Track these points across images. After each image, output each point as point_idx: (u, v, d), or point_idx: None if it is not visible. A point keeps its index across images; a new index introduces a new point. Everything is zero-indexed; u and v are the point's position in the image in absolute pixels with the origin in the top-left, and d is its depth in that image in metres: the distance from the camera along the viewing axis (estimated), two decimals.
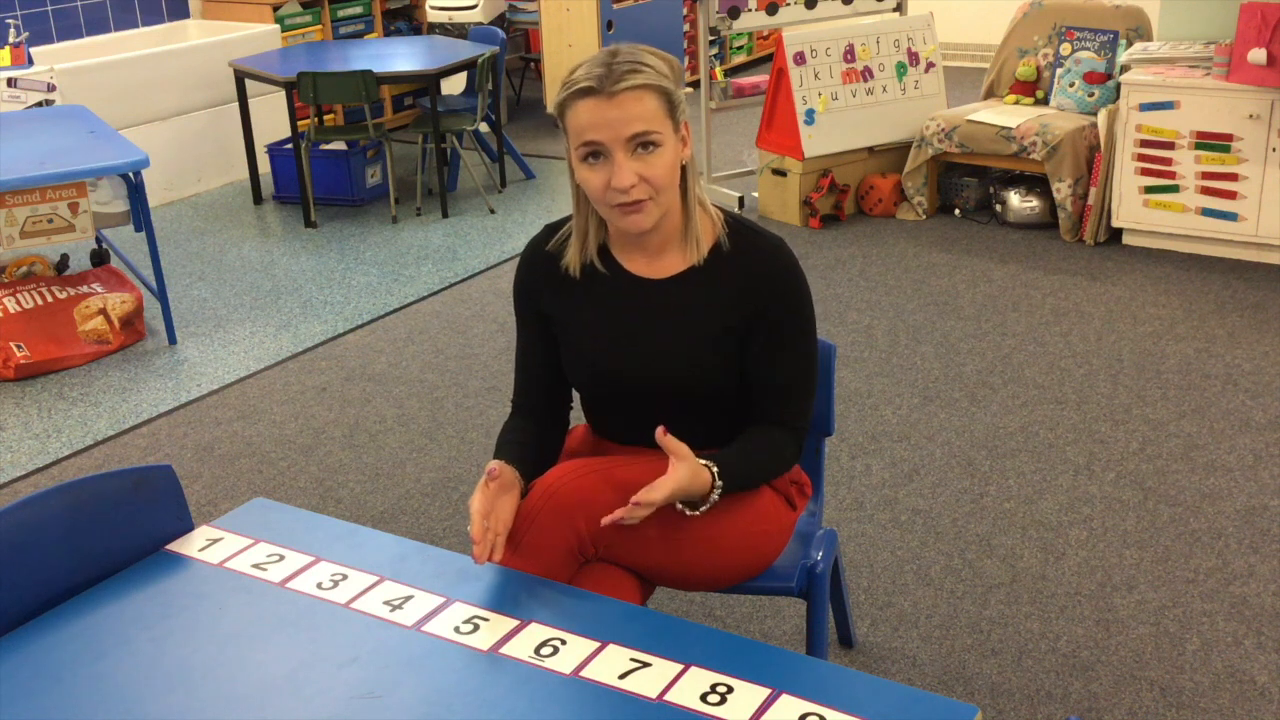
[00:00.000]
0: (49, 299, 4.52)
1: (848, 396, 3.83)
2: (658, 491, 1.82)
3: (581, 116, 1.84)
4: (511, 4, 7.81)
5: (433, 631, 1.60)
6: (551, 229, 2.08)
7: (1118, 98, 4.94)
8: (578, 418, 2.18)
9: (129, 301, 4.55)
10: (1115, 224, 5.00)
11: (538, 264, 2.06)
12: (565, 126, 1.89)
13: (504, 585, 1.72)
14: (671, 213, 1.95)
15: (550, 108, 1.98)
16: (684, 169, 1.94)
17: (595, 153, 1.86)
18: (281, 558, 1.79)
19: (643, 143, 1.84)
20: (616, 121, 1.83)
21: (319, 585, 1.71)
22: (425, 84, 6.01)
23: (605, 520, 1.82)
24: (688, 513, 1.92)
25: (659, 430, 1.84)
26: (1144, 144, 4.84)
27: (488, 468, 1.87)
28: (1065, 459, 3.42)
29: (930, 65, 5.60)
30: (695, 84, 7.53)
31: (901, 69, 5.53)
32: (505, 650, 1.55)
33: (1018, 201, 5.29)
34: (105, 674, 1.55)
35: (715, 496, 1.92)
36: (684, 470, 1.85)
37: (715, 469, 1.91)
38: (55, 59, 5.77)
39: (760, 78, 6.27)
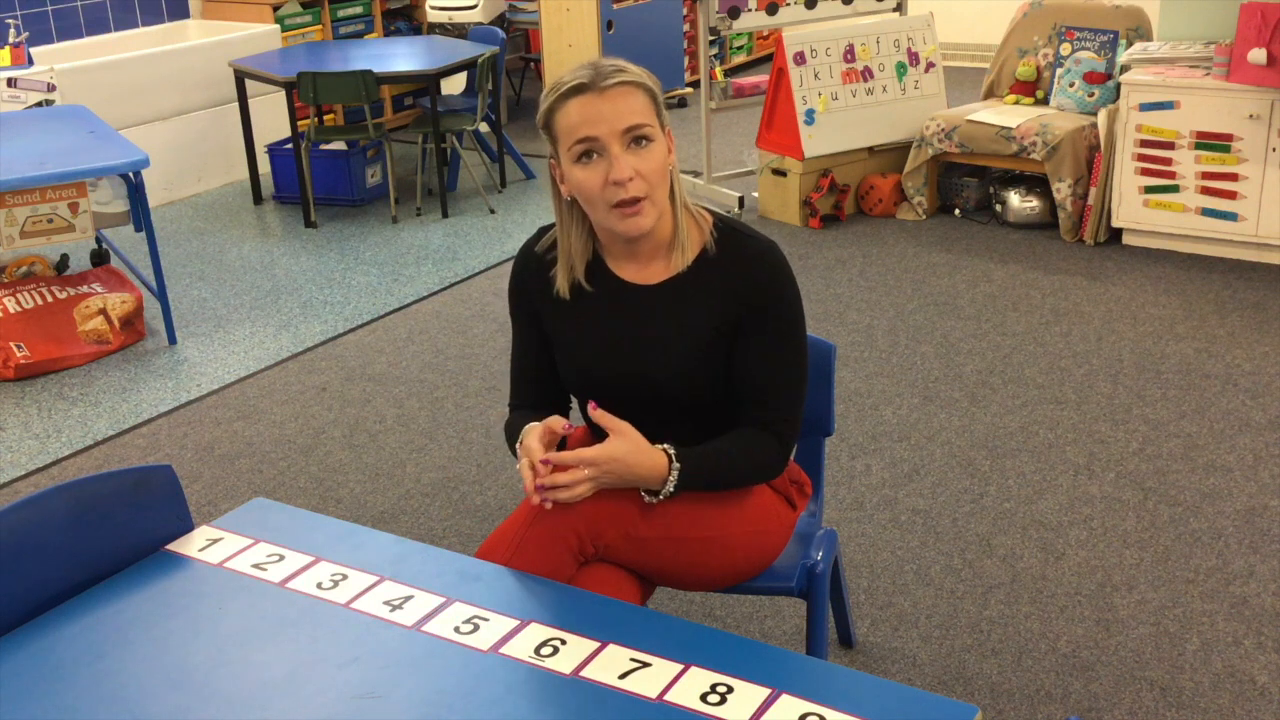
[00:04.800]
0: (49, 299, 4.52)
1: (848, 396, 3.83)
2: (587, 453, 1.80)
3: (573, 114, 1.84)
4: (511, 4, 7.81)
5: (433, 631, 1.60)
6: (545, 231, 2.08)
7: (1118, 98, 4.94)
8: (579, 419, 2.18)
9: (129, 301, 4.55)
10: (1115, 224, 5.00)
11: (531, 265, 2.06)
12: (555, 131, 1.88)
13: (504, 585, 1.72)
14: (663, 217, 1.95)
15: (538, 118, 1.99)
16: (670, 174, 1.94)
17: (589, 151, 1.85)
18: (281, 558, 1.79)
19: (637, 136, 1.84)
20: (611, 115, 1.83)
21: (319, 585, 1.71)
22: (425, 84, 6.01)
23: (540, 459, 1.81)
24: (646, 498, 1.89)
25: (590, 406, 1.83)
26: (1144, 144, 4.84)
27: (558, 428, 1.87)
28: (1065, 459, 3.42)
29: (930, 65, 5.59)
30: (695, 84, 7.53)
31: (901, 69, 5.53)
32: (505, 650, 1.55)
33: (1018, 201, 5.29)
34: (105, 674, 1.55)
35: (673, 479, 1.87)
36: (622, 444, 1.83)
37: (672, 451, 1.88)
38: (55, 59, 5.78)
39: (760, 78, 6.28)
